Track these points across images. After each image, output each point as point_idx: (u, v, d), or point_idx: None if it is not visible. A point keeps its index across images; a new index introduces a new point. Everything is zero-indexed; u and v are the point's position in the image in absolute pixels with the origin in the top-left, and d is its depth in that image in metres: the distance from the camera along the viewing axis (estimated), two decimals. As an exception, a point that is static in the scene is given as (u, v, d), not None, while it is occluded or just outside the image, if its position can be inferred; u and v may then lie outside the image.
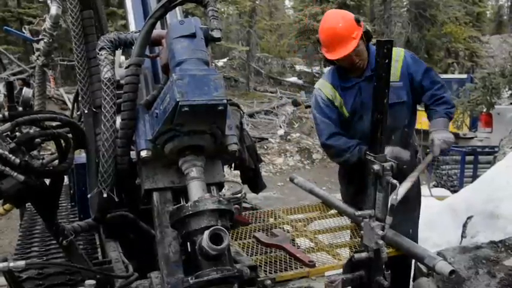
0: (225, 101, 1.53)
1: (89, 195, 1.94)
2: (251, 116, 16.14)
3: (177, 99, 1.45)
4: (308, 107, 17.84)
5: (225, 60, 25.74)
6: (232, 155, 1.76)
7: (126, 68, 1.73)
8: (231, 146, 1.74)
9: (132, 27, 2.18)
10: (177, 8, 2.00)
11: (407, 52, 3.07)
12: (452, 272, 1.98)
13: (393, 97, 2.91)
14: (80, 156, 2.41)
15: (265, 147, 13.55)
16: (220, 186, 1.84)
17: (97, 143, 1.94)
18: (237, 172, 4.03)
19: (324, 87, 3.03)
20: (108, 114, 1.70)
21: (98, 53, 1.79)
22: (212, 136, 1.65)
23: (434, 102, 2.92)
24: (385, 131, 2.73)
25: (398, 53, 2.97)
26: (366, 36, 2.88)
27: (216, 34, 1.73)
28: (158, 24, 1.90)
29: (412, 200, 3.23)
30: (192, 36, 1.65)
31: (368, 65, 2.92)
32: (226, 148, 1.74)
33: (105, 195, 1.74)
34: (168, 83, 1.54)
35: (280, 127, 15.22)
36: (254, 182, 3.90)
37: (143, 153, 1.65)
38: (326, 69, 3.35)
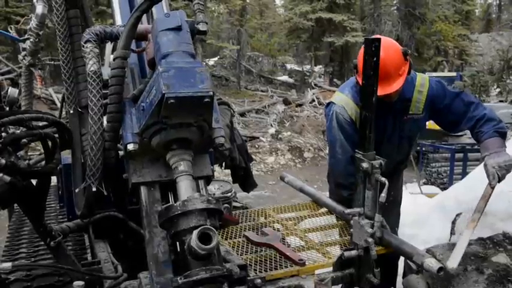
0: (211, 93, 1.52)
1: (76, 190, 1.92)
2: (242, 115, 16.14)
3: (163, 92, 1.45)
4: (299, 105, 17.91)
5: (215, 59, 25.69)
6: (220, 147, 1.76)
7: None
8: (218, 139, 1.74)
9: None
10: (163, 2, 1.99)
11: (433, 79, 2.86)
12: (440, 269, 1.99)
13: (414, 129, 2.94)
14: (69, 156, 2.40)
15: (257, 146, 13.55)
16: (208, 179, 1.84)
17: (83, 143, 1.92)
18: (229, 171, 4.03)
19: (348, 106, 2.77)
20: (95, 108, 1.69)
21: (83, 46, 1.77)
22: (199, 129, 1.64)
23: (477, 123, 2.63)
24: (397, 154, 2.87)
25: (423, 83, 2.80)
26: (408, 69, 2.67)
27: (202, 27, 1.73)
28: (144, 19, 1.89)
29: (399, 198, 3.28)
30: (178, 29, 1.65)
31: (398, 98, 2.74)
32: (214, 141, 1.74)
33: (94, 189, 1.73)
34: (154, 75, 1.53)
35: (271, 126, 15.23)
36: (245, 180, 3.91)
37: (130, 147, 1.64)
38: (349, 82, 2.98)
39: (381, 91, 2.54)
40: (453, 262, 2.13)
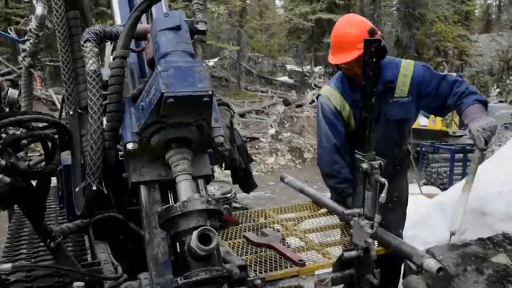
0: (210, 92, 1.52)
1: (76, 189, 1.93)
2: (242, 115, 16.14)
3: (162, 91, 1.45)
4: (299, 106, 17.91)
5: (215, 60, 25.68)
6: (219, 146, 1.76)
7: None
8: (218, 138, 1.74)
9: None
10: (162, 2, 2.00)
11: (419, 64, 2.95)
12: (440, 269, 2.00)
13: (401, 113, 2.92)
14: (69, 157, 2.40)
15: (257, 146, 13.54)
16: (207, 178, 1.84)
17: (83, 144, 1.92)
18: (229, 172, 4.03)
19: (332, 96, 2.89)
20: (95, 106, 1.70)
21: (83, 45, 1.78)
22: (198, 128, 1.65)
23: (460, 97, 2.71)
24: (385, 140, 2.80)
25: (408, 67, 2.88)
26: (378, 51, 2.77)
27: (201, 27, 1.74)
28: (144, 18, 1.89)
29: (403, 198, 3.26)
30: (177, 28, 1.65)
31: (379, 80, 2.75)
32: (213, 140, 1.74)
33: (94, 187, 1.73)
34: (153, 75, 1.54)
35: (271, 126, 15.23)
36: (245, 181, 3.92)
37: (129, 146, 1.64)
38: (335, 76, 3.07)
39: (336, 60, 2.79)
40: (453, 226, 2.12)
